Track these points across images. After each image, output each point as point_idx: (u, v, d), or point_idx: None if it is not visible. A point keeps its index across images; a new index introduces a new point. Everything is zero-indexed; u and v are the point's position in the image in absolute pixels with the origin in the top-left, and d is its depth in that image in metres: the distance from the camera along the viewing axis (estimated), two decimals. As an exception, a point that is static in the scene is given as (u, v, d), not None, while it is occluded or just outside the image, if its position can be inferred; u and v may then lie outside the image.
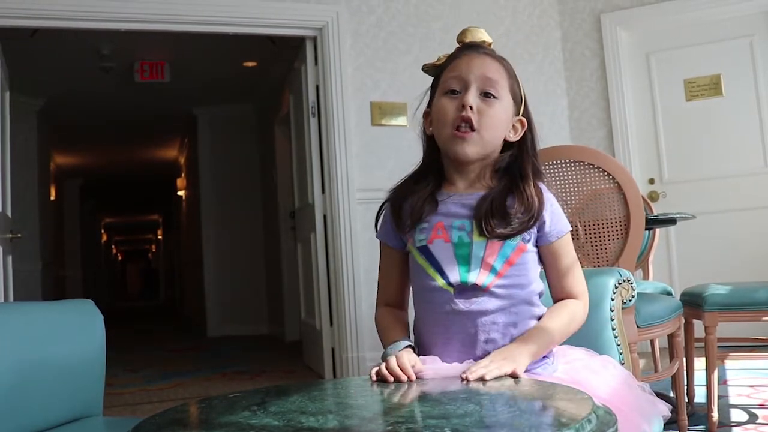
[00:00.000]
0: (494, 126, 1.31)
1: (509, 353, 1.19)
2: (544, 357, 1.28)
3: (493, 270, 1.28)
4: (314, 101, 4.17)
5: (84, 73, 6.09)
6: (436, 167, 1.38)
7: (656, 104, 4.53)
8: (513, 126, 1.36)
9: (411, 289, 1.39)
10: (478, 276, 1.27)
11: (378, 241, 1.44)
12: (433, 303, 1.30)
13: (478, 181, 1.35)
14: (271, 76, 6.34)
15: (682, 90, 4.47)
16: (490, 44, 1.38)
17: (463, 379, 1.11)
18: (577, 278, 1.36)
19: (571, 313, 1.32)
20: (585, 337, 1.53)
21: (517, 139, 1.36)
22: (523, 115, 1.37)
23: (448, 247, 1.29)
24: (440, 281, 1.29)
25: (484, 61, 1.33)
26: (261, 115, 7.45)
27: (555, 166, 2.41)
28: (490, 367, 1.13)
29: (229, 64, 6.14)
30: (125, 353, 6.23)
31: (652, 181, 4.50)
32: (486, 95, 1.31)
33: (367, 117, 4.08)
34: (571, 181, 2.39)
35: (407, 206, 1.35)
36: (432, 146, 1.39)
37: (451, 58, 1.37)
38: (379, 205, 1.44)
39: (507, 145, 1.36)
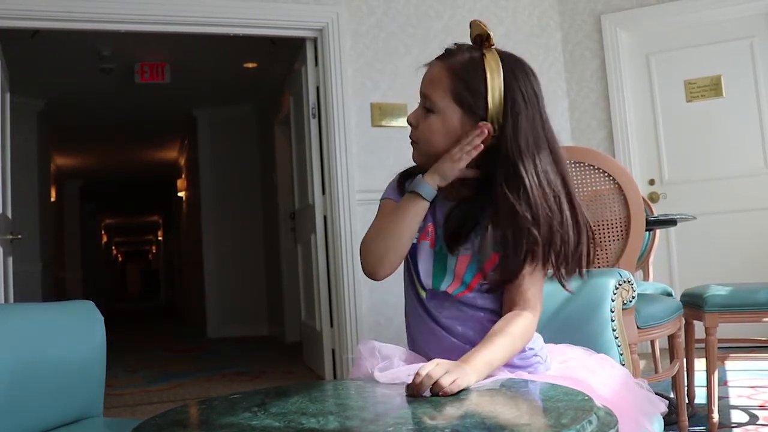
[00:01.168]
0: (427, 139, 1.28)
1: (459, 368, 1.07)
2: (534, 355, 1.28)
3: (463, 283, 1.28)
4: (314, 102, 4.17)
5: (84, 74, 6.10)
6: None
7: (656, 105, 4.53)
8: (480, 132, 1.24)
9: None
10: (449, 285, 1.28)
11: None
12: (411, 299, 1.34)
13: (452, 190, 1.30)
14: (271, 77, 6.34)
15: (682, 91, 4.47)
16: (486, 37, 1.27)
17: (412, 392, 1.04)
18: (533, 288, 1.25)
19: (520, 330, 1.20)
20: (585, 338, 1.53)
21: (487, 144, 1.24)
22: (494, 119, 1.24)
23: (430, 253, 1.30)
24: (416, 282, 1.31)
25: (427, 73, 1.29)
26: (261, 116, 7.45)
27: (555, 167, 2.41)
28: (445, 378, 1.03)
29: (229, 65, 6.14)
30: (125, 354, 6.23)
31: (652, 182, 4.50)
32: (426, 109, 1.28)
33: (367, 118, 4.08)
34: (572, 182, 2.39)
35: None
36: None
37: None
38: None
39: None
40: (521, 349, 1.23)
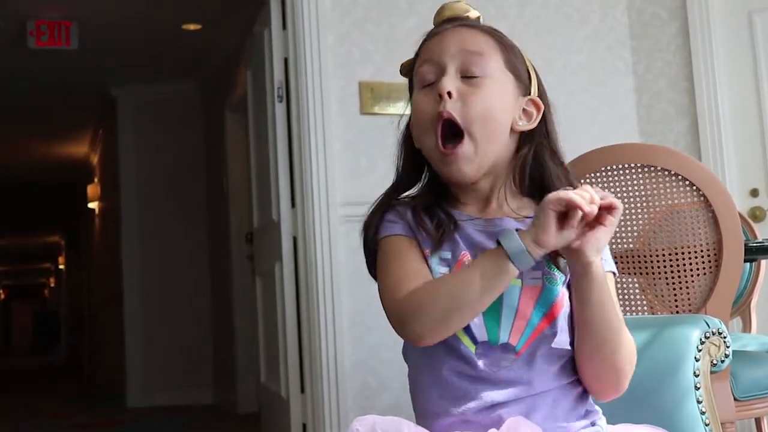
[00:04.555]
0: (486, 113, 1.34)
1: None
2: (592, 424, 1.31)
3: (530, 325, 1.31)
4: (281, 80, 4.19)
5: (-43, 36, 6.10)
6: (433, 184, 1.44)
7: (762, 84, 4.53)
8: (524, 111, 1.40)
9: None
10: (510, 332, 1.30)
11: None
12: (443, 364, 1.33)
13: (494, 201, 1.39)
14: (221, 44, 6.36)
15: (799, 64, 4.48)
16: (477, 19, 1.44)
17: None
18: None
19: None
20: (658, 412, 1.54)
21: (532, 127, 1.40)
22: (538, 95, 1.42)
23: None
24: (460, 335, 1.32)
25: (461, 34, 1.38)
26: (207, 97, 7.47)
27: (615, 173, 2.42)
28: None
29: (163, 26, 6.15)
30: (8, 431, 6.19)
31: (755, 193, 4.51)
32: (469, 77, 1.35)
33: (354, 102, 4.10)
34: (638, 194, 2.40)
35: (427, 218, 1.39)
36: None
37: (422, 43, 1.43)
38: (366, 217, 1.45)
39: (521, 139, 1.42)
40: (627, 368, 1.32)
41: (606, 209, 1.21)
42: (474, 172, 1.35)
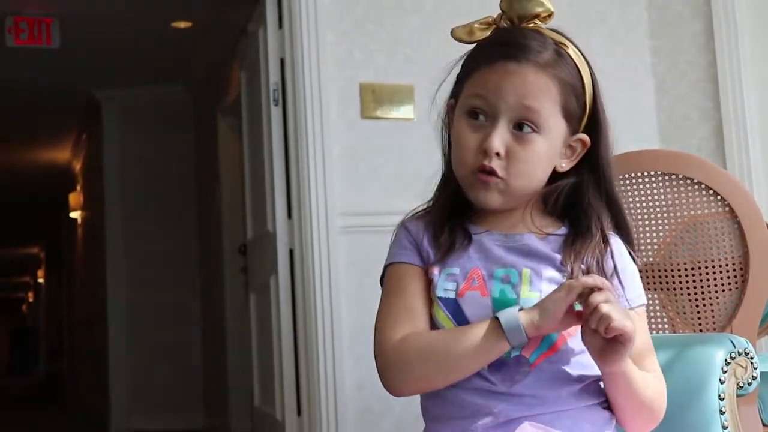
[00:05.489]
0: (529, 172, 1.38)
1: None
2: None
3: (546, 339, 1.33)
4: (277, 82, 4.19)
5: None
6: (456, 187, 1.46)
7: (792, 87, 4.54)
8: (570, 147, 1.43)
9: None
10: (524, 346, 1.32)
11: (375, 285, 1.48)
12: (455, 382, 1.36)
13: (519, 218, 1.43)
14: (213, 43, 6.37)
15: (832, 64, 4.49)
16: (547, 16, 1.41)
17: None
18: (656, 366, 1.42)
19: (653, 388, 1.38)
20: (682, 438, 1.54)
21: (573, 164, 1.43)
22: (587, 130, 1.43)
23: (485, 304, 1.36)
24: None
25: (524, 80, 1.36)
26: (198, 101, 7.48)
27: (634, 181, 2.42)
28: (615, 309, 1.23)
29: (151, 24, 6.16)
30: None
31: (783, 203, 4.51)
32: (520, 127, 1.37)
33: (354, 105, 4.10)
34: (658, 204, 2.39)
35: (441, 232, 1.43)
36: None
37: (482, 59, 1.40)
38: (373, 233, 1.50)
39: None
40: (648, 398, 1.35)
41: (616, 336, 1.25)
42: (499, 204, 1.40)
